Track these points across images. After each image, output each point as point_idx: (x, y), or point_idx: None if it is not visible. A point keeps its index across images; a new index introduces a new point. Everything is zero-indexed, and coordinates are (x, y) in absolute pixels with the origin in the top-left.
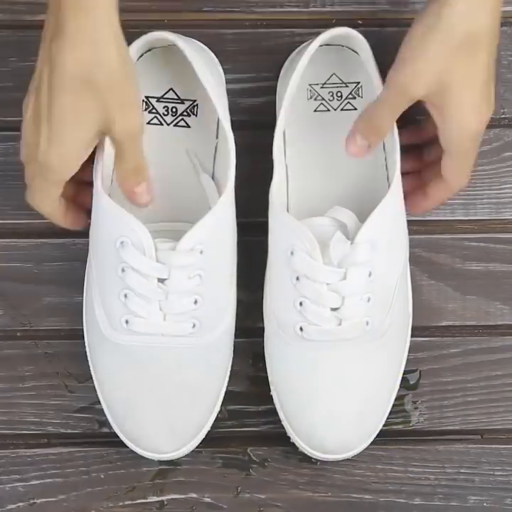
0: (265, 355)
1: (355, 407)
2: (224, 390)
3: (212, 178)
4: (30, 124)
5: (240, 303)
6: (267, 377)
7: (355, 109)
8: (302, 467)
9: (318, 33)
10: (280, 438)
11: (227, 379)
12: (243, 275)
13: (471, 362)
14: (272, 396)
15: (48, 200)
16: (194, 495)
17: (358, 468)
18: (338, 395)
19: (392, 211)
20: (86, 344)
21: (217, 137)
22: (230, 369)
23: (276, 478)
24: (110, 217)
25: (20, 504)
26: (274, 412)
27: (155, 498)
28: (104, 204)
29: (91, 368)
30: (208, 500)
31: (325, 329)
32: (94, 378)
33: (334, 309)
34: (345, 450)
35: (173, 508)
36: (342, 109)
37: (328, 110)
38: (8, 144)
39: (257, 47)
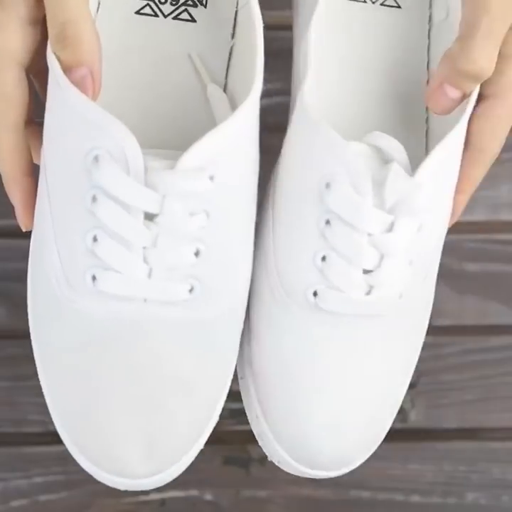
0: (249, 324)
1: (367, 409)
2: (228, 388)
3: (224, 91)
4: None
5: None
6: None
7: (399, 6)
8: None
9: None
10: None
11: (232, 373)
12: None
13: (468, 361)
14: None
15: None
16: (195, 493)
17: (357, 466)
18: (348, 390)
19: (457, 149)
20: (29, 318)
21: (233, 37)
22: (235, 361)
23: (276, 475)
24: (78, 121)
25: (24, 501)
26: None
27: (156, 496)
28: (68, 101)
29: (35, 352)
30: (209, 497)
31: (349, 298)
32: (38, 368)
33: (366, 272)
34: (342, 465)
35: (174, 506)
36: (382, 4)
37: (365, 2)
38: None
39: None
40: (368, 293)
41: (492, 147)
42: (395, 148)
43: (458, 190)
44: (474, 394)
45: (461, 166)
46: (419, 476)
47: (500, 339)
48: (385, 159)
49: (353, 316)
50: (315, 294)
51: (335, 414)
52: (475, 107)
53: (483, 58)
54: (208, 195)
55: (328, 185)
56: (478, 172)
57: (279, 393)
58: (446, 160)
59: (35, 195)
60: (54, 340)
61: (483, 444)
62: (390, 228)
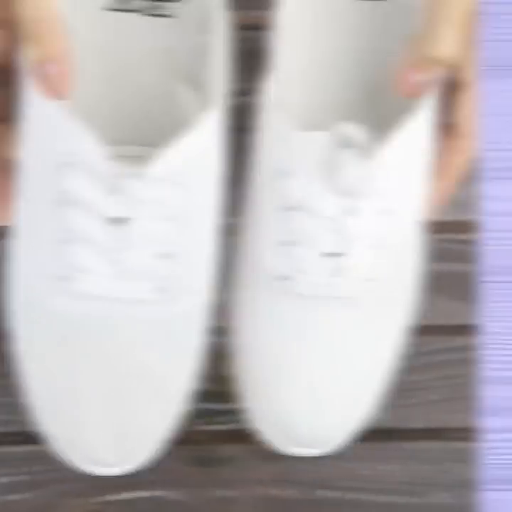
0: (234, 313)
1: (346, 389)
2: (193, 382)
3: (197, 88)
4: None
5: None
6: (230, 377)
7: None
8: (268, 465)
9: None
10: (247, 436)
11: (196, 368)
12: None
13: (434, 361)
14: (236, 386)
15: None
16: (162, 492)
17: (324, 466)
18: (326, 370)
19: (423, 130)
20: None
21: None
22: (199, 356)
23: (244, 475)
24: (48, 128)
25: None
26: (240, 410)
27: (124, 496)
28: (40, 108)
29: (18, 352)
30: (177, 497)
31: (315, 281)
32: (22, 366)
33: (331, 255)
34: (326, 443)
35: (142, 506)
36: None
37: None
38: None
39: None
40: (335, 276)
41: (470, 133)
42: (356, 134)
43: (439, 178)
44: (439, 394)
45: (442, 154)
46: (386, 475)
47: (466, 339)
48: (344, 146)
49: (324, 299)
50: (285, 278)
51: (315, 391)
52: (457, 95)
53: (446, 43)
54: (175, 201)
55: (285, 174)
56: (458, 159)
57: (261, 371)
58: (409, 145)
59: (9, 184)
60: (28, 339)
61: (448, 443)
62: (352, 211)
